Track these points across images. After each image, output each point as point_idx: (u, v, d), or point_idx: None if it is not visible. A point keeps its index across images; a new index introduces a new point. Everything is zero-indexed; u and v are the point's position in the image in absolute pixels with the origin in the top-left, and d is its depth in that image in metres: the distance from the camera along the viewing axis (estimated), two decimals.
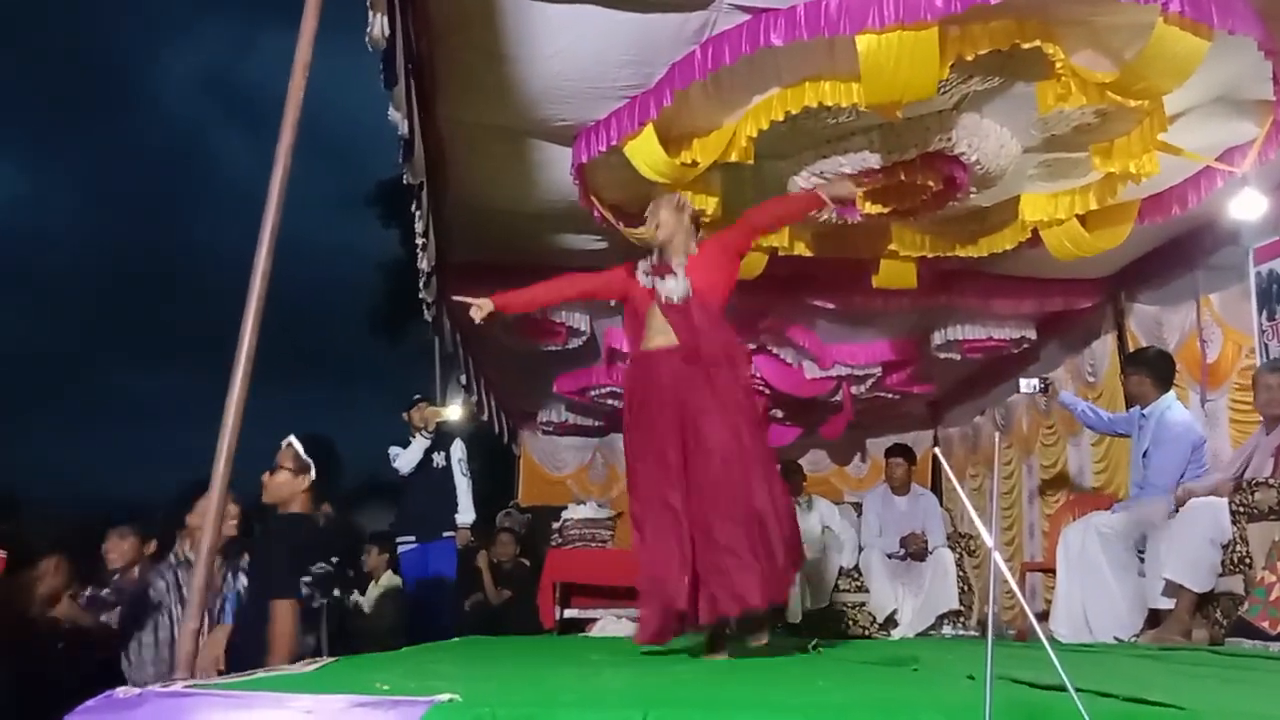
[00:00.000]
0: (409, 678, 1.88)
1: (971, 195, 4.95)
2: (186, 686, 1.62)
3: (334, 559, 3.68)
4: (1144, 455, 4.93)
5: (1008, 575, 1.27)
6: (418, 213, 4.62)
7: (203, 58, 69.34)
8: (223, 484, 2.27)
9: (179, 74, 69.45)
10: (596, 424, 9.47)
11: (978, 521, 1.31)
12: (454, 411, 6.53)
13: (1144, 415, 5.03)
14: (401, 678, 1.86)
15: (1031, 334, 6.99)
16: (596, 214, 4.99)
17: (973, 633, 6.23)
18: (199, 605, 2.08)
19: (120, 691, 1.55)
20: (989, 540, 1.26)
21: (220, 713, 1.50)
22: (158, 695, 1.54)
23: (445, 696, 1.48)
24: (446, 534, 6.38)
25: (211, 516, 2.22)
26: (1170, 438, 4.84)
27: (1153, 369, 5.04)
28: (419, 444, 6.42)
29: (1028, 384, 5.74)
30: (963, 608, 6.33)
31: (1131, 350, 6.21)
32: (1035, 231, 5.25)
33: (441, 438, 6.55)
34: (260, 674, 1.89)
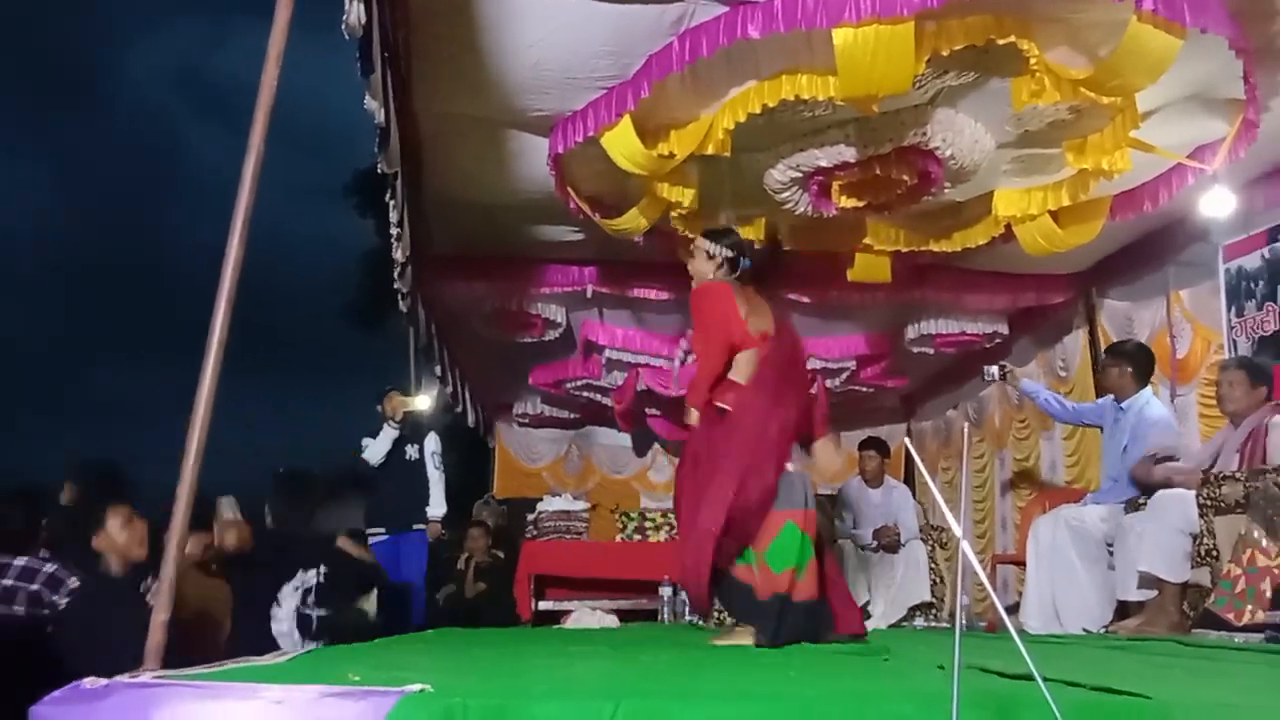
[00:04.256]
0: (380, 669, 1.87)
1: (946, 190, 4.98)
2: (155, 677, 1.61)
3: None
4: (1123, 450, 4.94)
5: (976, 565, 1.28)
6: (392, 203, 4.59)
7: (174, 52, 68.69)
8: (192, 477, 2.24)
9: (150, 69, 68.71)
10: (572, 416, 9.46)
11: (946, 512, 1.32)
12: (422, 402, 6.50)
13: (1121, 408, 5.03)
14: (373, 669, 1.85)
15: (1004, 329, 7.05)
16: (572, 205, 4.99)
17: (945, 625, 6.28)
18: (168, 597, 2.06)
19: (87, 682, 1.53)
20: (957, 530, 1.27)
21: (189, 703, 1.49)
22: (126, 686, 1.52)
23: (416, 687, 1.47)
24: (417, 526, 6.36)
25: (181, 510, 2.19)
26: (1151, 433, 4.86)
27: (1134, 361, 5.02)
28: (387, 434, 6.40)
29: (989, 371, 5.79)
30: (935, 600, 6.38)
31: (1101, 345, 6.27)
32: (1008, 226, 5.29)
33: (415, 430, 6.53)
34: (230, 665, 1.87)
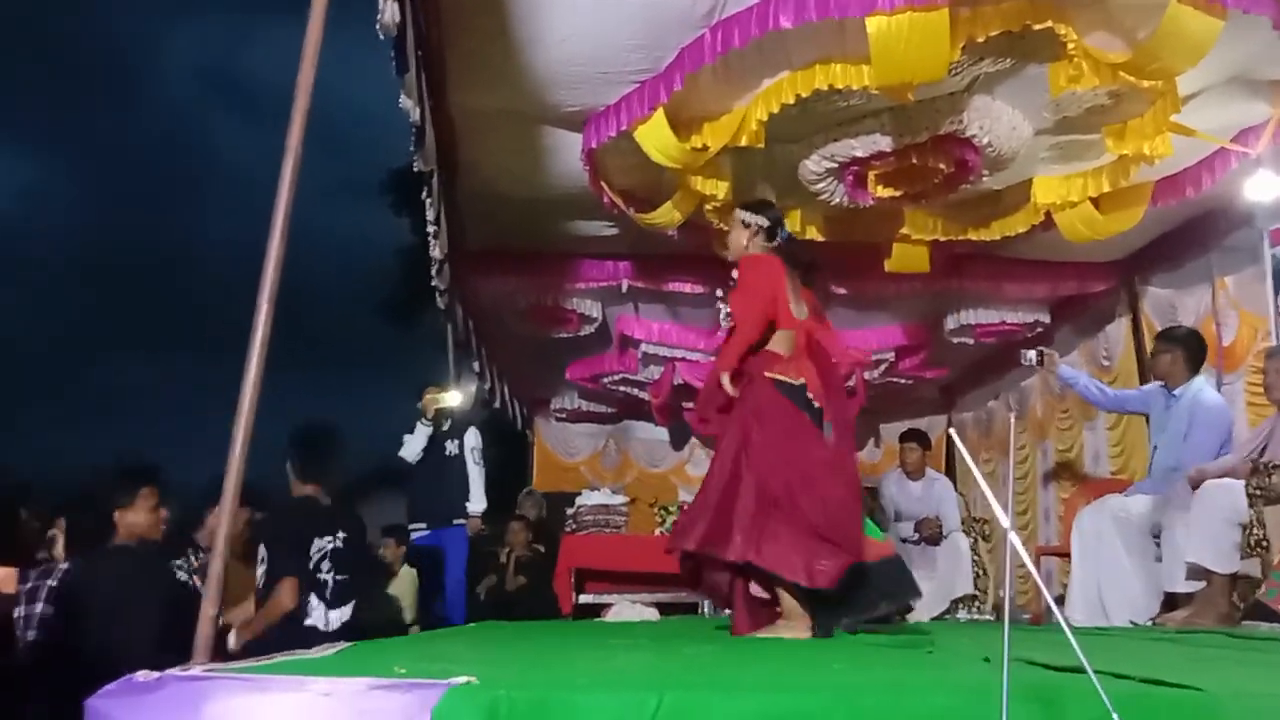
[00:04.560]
0: (425, 661, 1.89)
1: (984, 178, 4.93)
2: (205, 670, 1.64)
3: None
4: (1184, 438, 4.82)
5: (1025, 556, 1.26)
6: (429, 200, 4.62)
7: (202, 48, 69.62)
8: (238, 472, 2.27)
9: (179, 65, 69.68)
10: (609, 411, 9.49)
11: (992, 501, 1.30)
12: (453, 398, 6.54)
13: (1174, 395, 4.90)
14: (418, 661, 1.87)
15: (1045, 318, 6.97)
16: (606, 199, 4.99)
17: (987, 617, 6.23)
18: (216, 591, 2.09)
19: (140, 675, 1.56)
20: (1005, 521, 1.25)
21: (239, 696, 1.51)
22: (177, 679, 1.55)
23: (462, 679, 1.49)
24: (457, 521, 6.41)
25: (227, 504, 2.23)
26: (1210, 420, 4.73)
27: (1186, 347, 4.90)
28: (421, 431, 6.46)
29: (1026, 355, 5.71)
30: (978, 592, 6.32)
31: (1144, 334, 6.18)
32: (1048, 214, 5.23)
33: (455, 425, 6.58)
34: (278, 658, 1.90)
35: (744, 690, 1.69)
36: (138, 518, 4.06)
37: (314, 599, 4.17)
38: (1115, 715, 1.23)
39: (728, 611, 5.24)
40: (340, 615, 4.22)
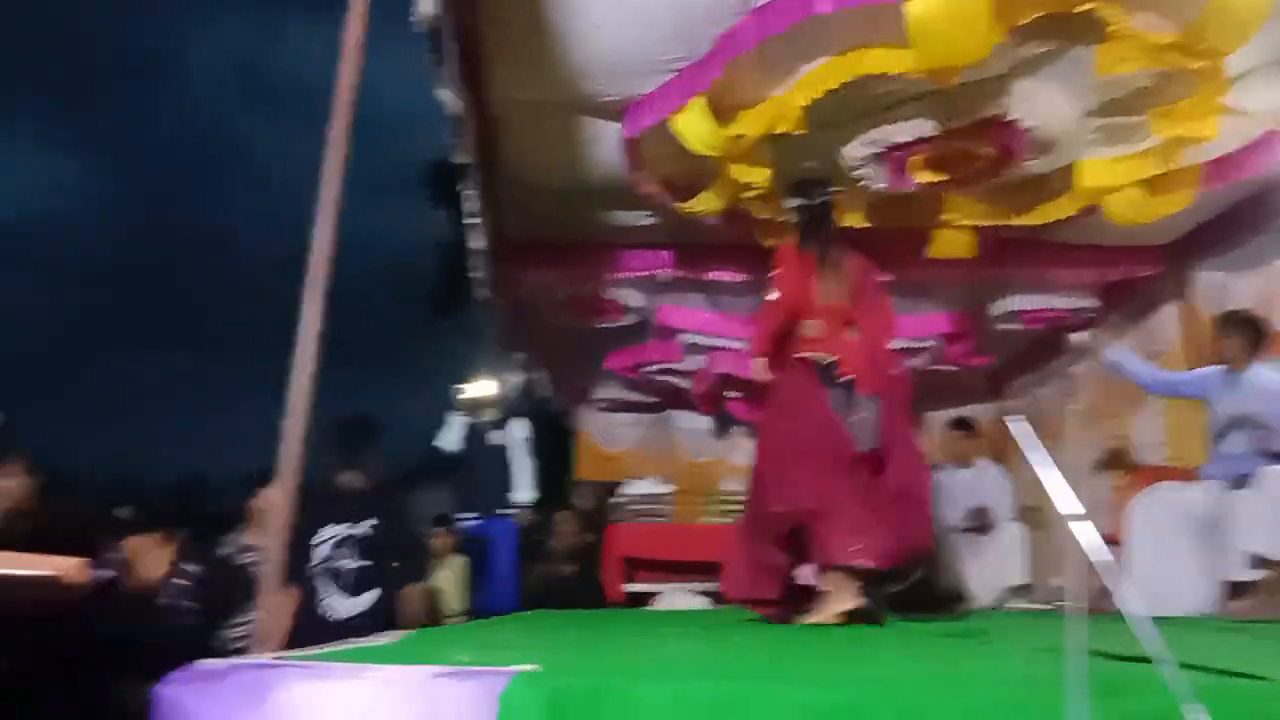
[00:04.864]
0: (484, 649, 1.90)
1: (1028, 162, 4.85)
2: (272, 658, 1.66)
3: None
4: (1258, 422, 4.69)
5: (1092, 546, 1.24)
6: (467, 192, 4.64)
7: (232, 46, 70.25)
8: (293, 463, 2.30)
9: (209, 62, 70.35)
10: (652, 400, 9.48)
11: (1057, 491, 1.29)
12: (482, 388, 6.58)
13: (1238, 378, 4.72)
14: (477, 649, 1.89)
15: (1093, 303, 6.86)
16: (646, 189, 4.98)
17: (1041, 606, 6.16)
18: (276, 579, 2.12)
19: (207, 663, 1.59)
20: (1075, 509, 1.24)
21: (303, 683, 1.54)
22: (244, 667, 1.58)
23: (528, 667, 1.50)
24: (505, 511, 6.46)
25: (285, 495, 2.26)
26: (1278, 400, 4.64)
27: (1251, 331, 4.76)
28: (455, 422, 6.53)
29: (1076, 339, 5.62)
30: (1031, 581, 6.25)
31: (1194, 319, 6.07)
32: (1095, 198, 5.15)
33: (484, 415, 6.63)
34: (341, 647, 1.93)
35: (800, 681, 1.68)
36: (142, 550, 4.07)
37: (329, 587, 4.05)
38: (1190, 705, 1.22)
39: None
40: (355, 604, 4.08)
